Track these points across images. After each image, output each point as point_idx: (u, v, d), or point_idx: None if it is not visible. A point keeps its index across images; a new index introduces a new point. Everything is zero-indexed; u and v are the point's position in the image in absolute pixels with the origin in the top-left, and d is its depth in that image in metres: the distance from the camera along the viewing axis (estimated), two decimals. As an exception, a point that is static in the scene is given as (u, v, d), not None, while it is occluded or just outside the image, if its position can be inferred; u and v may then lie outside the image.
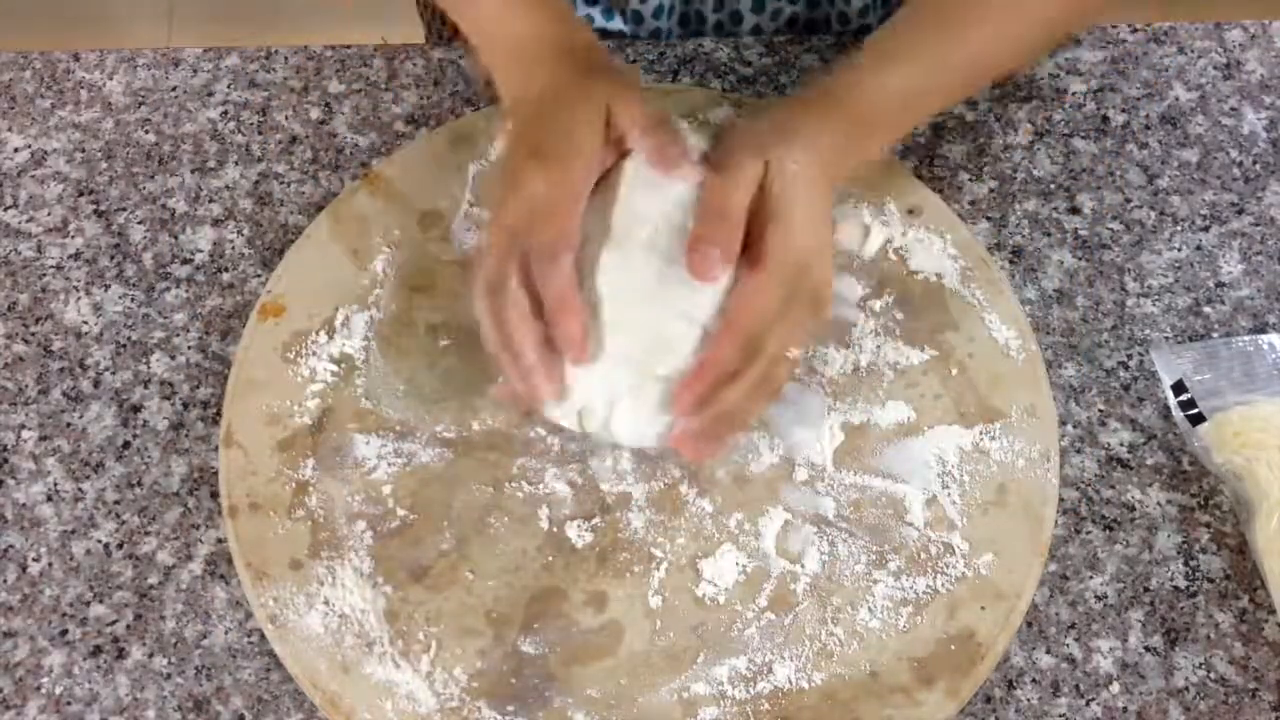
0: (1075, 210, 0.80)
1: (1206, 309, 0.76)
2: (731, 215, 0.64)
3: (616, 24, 0.90)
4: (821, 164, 0.66)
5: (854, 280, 0.75)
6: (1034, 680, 0.65)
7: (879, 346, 0.73)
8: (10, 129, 0.83)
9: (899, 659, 0.64)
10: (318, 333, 0.73)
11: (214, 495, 0.69)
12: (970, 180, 0.81)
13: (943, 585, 0.66)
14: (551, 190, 0.64)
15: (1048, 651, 0.66)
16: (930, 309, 0.74)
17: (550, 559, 0.67)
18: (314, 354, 0.72)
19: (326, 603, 0.65)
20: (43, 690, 0.64)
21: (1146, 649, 0.66)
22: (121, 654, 0.65)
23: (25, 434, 0.72)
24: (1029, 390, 0.72)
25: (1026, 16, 0.72)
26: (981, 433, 0.70)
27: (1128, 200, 0.80)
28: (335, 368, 0.72)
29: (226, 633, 0.66)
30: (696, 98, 0.82)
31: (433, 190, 0.78)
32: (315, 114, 0.83)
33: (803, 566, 0.66)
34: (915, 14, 0.72)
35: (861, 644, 0.64)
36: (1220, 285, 0.77)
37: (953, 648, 0.64)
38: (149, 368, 0.74)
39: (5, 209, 0.79)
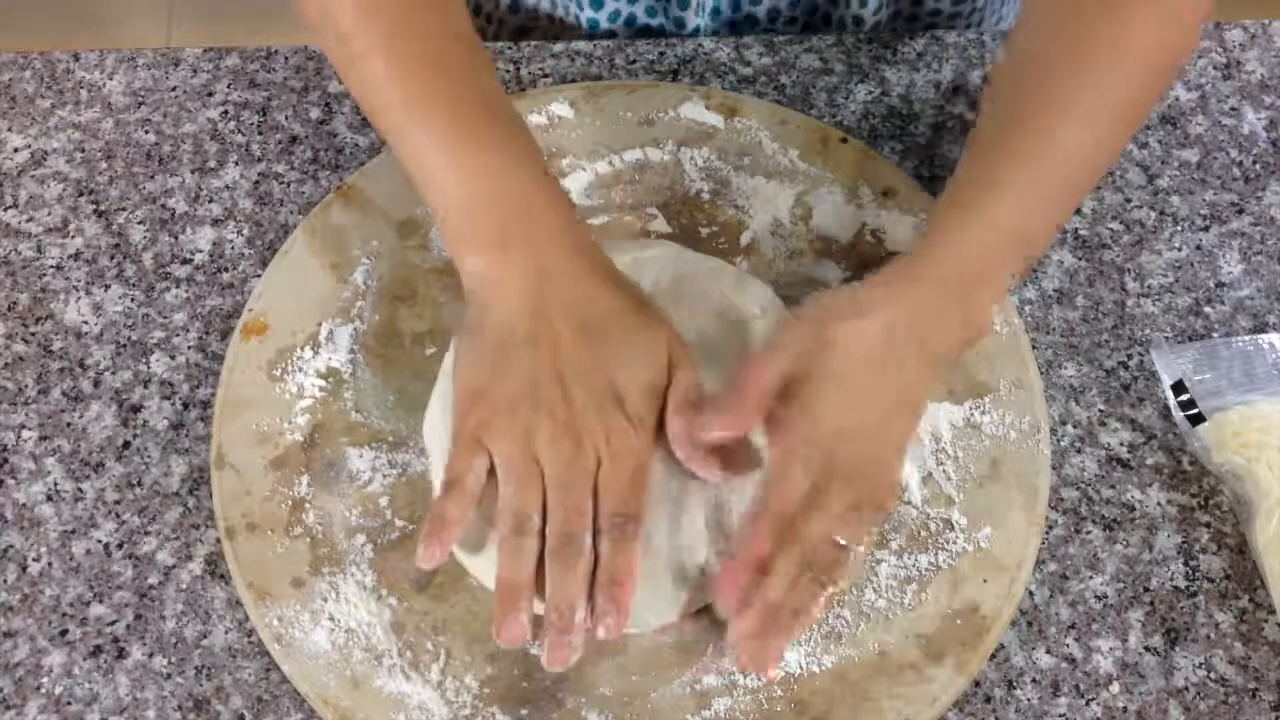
0: (1075, 210, 0.80)
1: (1206, 309, 0.76)
2: (743, 390, 0.60)
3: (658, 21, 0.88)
4: (908, 340, 0.61)
5: (834, 264, 0.76)
6: (1034, 680, 0.65)
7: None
8: (10, 129, 0.83)
9: (906, 637, 0.65)
10: (302, 348, 0.72)
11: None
12: (970, 180, 0.81)
13: (944, 561, 0.67)
14: (632, 456, 0.61)
15: (1048, 651, 0.66)
16: None
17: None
18: (300, 370, 0.72)
19: (331, 619, 0.65)
20: (43, 690, 0.64)
21: (1146, 649, 0.66)
22: (121, 654, 0.65)
23: (25, 434, 0.72)
24: (1014, 364, 0.72)
25: (1111, 96, 0.65)
26: (972, 408, 0.71)
27: (1128, 200, 0.80)
28: (323, 383, 0.72)
29: (226, 633, 0.66)
30: (681, 93, 0.82)
31: (408, 199, 0.76)
32: (315, 114, 0.83)
33: None
34: (987, 140, 0.66)
35: (869, 624, 0.65)
36: (1220, 285, 0.77)
37: (958, 622, 0.65)
38: (149, 368, 0.74)
39: (5, 209, 0.79)
